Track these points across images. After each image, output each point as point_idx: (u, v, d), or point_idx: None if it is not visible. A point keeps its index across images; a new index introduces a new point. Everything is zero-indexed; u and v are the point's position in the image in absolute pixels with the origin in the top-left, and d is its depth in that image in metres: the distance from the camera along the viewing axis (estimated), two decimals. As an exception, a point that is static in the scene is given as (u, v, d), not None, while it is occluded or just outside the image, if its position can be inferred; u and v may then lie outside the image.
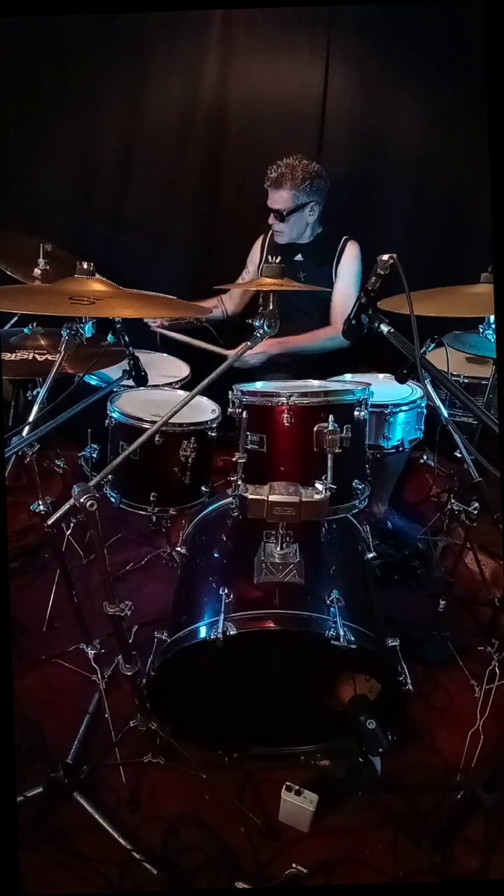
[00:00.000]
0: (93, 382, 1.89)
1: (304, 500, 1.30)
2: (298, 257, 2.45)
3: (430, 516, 2.35)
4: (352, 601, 1.42)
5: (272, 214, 2.36)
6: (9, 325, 2.05)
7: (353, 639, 1.29)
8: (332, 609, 1.36)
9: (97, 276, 1.41)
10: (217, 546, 1.68)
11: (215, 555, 1.67)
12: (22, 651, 1.82)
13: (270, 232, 2.49)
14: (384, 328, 1.47)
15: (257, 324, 1.45)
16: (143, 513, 1.70)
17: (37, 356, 1.81)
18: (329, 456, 1.35)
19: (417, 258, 2.54)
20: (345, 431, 1.39)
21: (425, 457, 2.45)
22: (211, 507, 1.76)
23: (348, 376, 2.08)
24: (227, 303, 2.56)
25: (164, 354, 2.39)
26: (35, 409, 1.45)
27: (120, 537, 2.34)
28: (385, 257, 1.37)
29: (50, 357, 1.78)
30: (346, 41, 2.57)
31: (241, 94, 2.66)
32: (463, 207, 2.70)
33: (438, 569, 2.21)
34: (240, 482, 1.38)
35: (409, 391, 1.88)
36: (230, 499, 1.42)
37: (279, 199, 2.32)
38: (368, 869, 1.34)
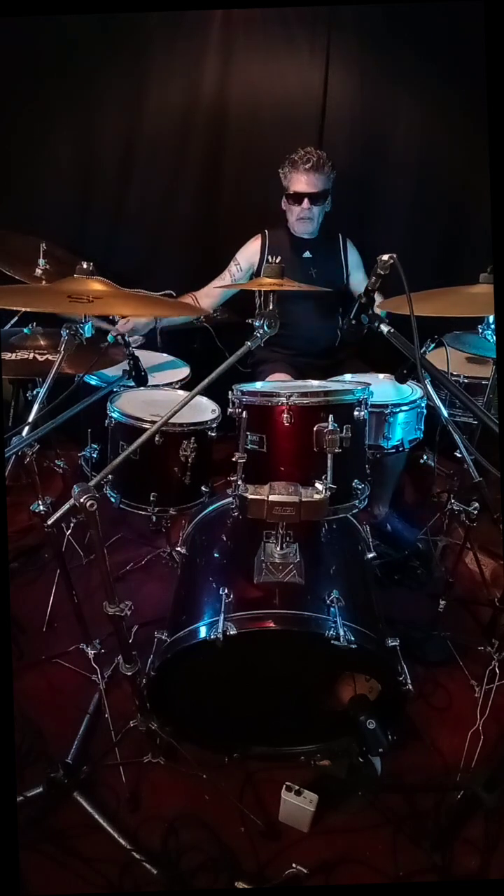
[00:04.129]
0: (93, 382, 1.89)
1: (304, 500, 1.30)
2: (307, 255, 2.44)
3: (430, 516, 2.34)
4: (352, 601, 1.42)
5: (306, 199, 2.30)
6: (9, 325, 2.05)
7: (353, 639, 1.29)
8: (332, 609, 1.36)
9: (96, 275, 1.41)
10: (217, 546, 1.68)
11: (215, 555, 1.67)
12: (22, 651, 1.82)
13: (268, 233, 2.48)
14: (384, 328, 1.48)
15: (257, 324, 1.46)
16: (143, 513, 1.71)
17: (37, 356, 1.82)
18: (329, 456, 1.35)
19: (417, 258, 2.54)
20: (345, 431, 1.39)
21: (425, 457, 2.45)
22: (211, 507, 1.76)
23: (348, 376, 2.09)
24: (201, 300, 2.50)
25: (164, 354, 2.39)
26: (35, 409, 1.46)
27: (120, 537, 2.34)
28: (385, 257, 1.38)
29: (50, 357, 1.78)
30: (346, 41, 2.58)
31: (241, 94, 2.66)
32: (463, 207, 2.70)
33: (438, 569, 2.21)
34: (240, 482, 1.38)
35: (409, 391, 1.88)
36: (230, 499, 1.42)
37: (317, 181, 2.29)
38: (368, 869, 1.34)
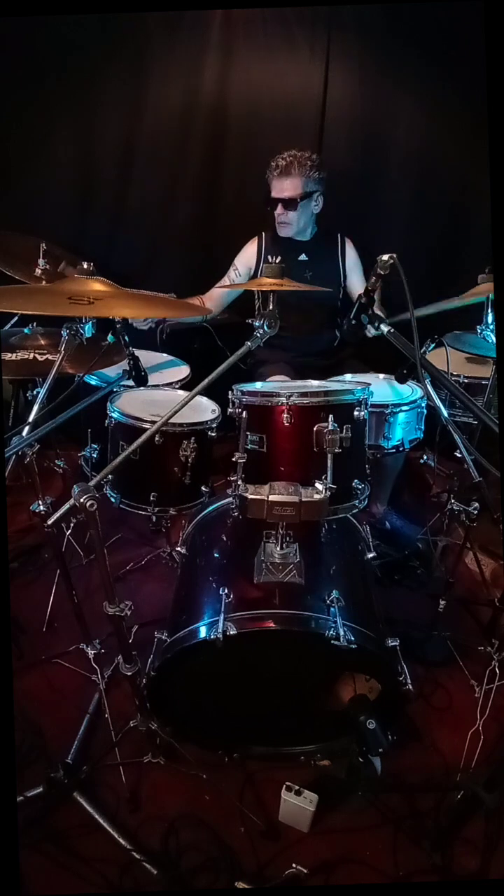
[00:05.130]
0: (93, 382, 1.89)
1: (304, 499, 1.30)
2: (303, 257, 2.44)
3: (430, 516, 2.34)
4: (352, 601, 1.42)
5: (280, 205, 2.32)
6: (9, 325, 2.05)
7: (353, 639, 1.29)
8: (332, 609, 1.36)
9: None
10: (217, 546, 1.68)
11: (215, 555, 1.67)
12: (22, 651, 1.82)
13: (265, 235, 2.48)
14: (384, 328, 1.48)
15: (257, 324, 1.46)
16: (143, 513, 1.71)
17: (37, 356, 1.82)
18: (329, 456, 1.35)
19: (417, 258, 2.54)
20: (345, 431, 1.39)
21: (425, 457, 2.45)
22: (211, 507, 1.76)
23: (348, 376, 2.09)
24: (207, 302, 2.52)
25: (164, 354, 2.39)
26: (35, 409, 1.46)
27: (120, 537, 2.34)
28: (385, 257, 1.38)
29: (50, 357, 1.78)
30: (346, 41, 2.58)
31: (241, 94, 2.66)
32: (463, 207, 2.70)
33: (438, 569, 2.21)
34: (240, 482, 1.38)
35: (409, 391, 1.88)
36: (230, 499, 1.42)
37: (289, 186, 2.30)
38: (368, 869, 1.34)
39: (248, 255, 2.49)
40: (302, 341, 2.46)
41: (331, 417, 1.35)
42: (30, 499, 1.49)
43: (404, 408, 1.81)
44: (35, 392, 1.85)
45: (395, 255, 1.36)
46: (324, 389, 1.56)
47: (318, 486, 1.33)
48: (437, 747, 1.60)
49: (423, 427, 1.90)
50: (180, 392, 2.04)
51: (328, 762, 1.53)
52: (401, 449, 1.87)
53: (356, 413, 1.44)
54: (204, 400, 1.83)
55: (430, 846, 1.37)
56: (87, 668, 1.68)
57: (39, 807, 1.39)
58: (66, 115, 2.66)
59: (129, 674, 1.34)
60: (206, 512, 1.76)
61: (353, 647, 1.28)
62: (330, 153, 2.53)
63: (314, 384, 1.80)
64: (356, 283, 2.51)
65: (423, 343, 1.61)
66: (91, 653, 1.65)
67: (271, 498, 1.31)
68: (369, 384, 1.52)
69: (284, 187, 2.30)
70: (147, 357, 2.00)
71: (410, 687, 1.39)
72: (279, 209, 2.34)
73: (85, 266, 1.42)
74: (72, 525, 1.94)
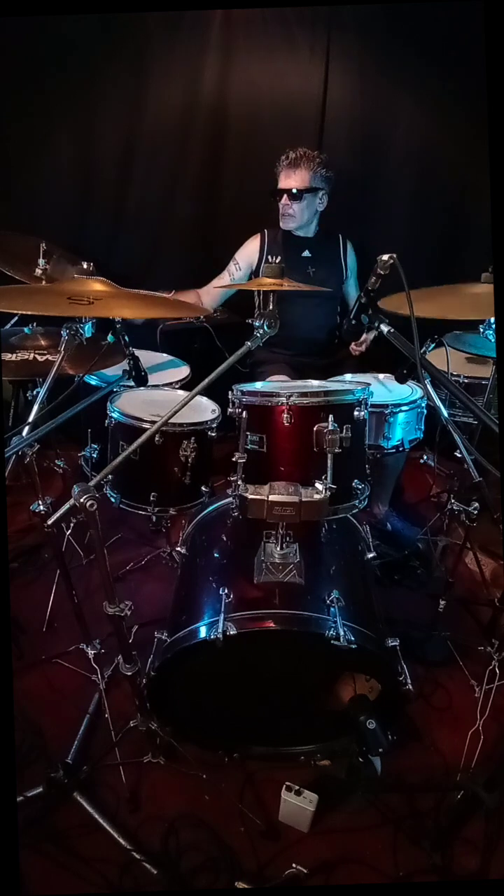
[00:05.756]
0: (93, 382, 1.89)
1: (304, 500, 1.30)
2: (306, 254, 2.46)
3: (430, 516, 2.34)
4: (352, 601, 1.42)
5: (285, 195, 2.35)
6: (9, 325, 2.05)
7: (353, 639, 1.29)
8: (332, 609, 1.36)
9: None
10: (217, 546, 1.68)
11: (215, 555, 1.67)
12: (22, 651, 1.82)
13: (268, 232, 2.49)
14: (384, 328, 1.48)
15: (257, 324, 1.45)
16: (143, 513, 1.71)
17: (37, 356, 1.82)
18: (329, 456, 1.35)
19: (417, 258, 2.54)
20: (345, 431, 1.38)
21: (425, 457, 2.45)
22: (211, 507, 1.76)
23: (348, 376, 2.09)
24: (204, 298, 2.54)
25: (164, 354, 2.39)
26: (35, 409, 1.46)
27: (120, 537, 2.34)
28: (385, 257, 1.38)
29: (50, 357, 1.79)
30: (346, 41, 2.58)
31: (241, 94, 2.67)
32: (463, 207, 2.70)
33: (438, 569, 2.21)
34: (240, 482, 1.38)
35: (409, 391, 1.88)
36: (230, 499, 1.42)
37: (296, 178, 2.33)
38: (368, 869, 1.34)
39: (249, 251, 2.50)
40: (301, 341, 2.46)
41: (331, 417, 1.35)
42: (30, 499, 1.49)
43: (404, 408, 1.81)
44: (35, 392, 1.85)
45: (395, 255, 1.36)
46: (324, 389, 1.56)
47: (318, 486, 1.33)
48: (437, 747, 1.60)
49: (423, 427, 1.90)
50: (180, 392, 2.03)
51: (328, 762, 1.53)
52: (401, 449, 1.87)
53: (356, 413, 1.44)
54: (204, 400, 1.83)
55: (430, 846, 1.37)
56: (87, 668, 1.68)
57: (39, 807, 1.39)
58: (66, 115, 2.66)
59: (129, 674, 1.34)
60: (206, 512, 1.76)
61: (353, 647, 1.28)
62: (330, 153, 2.52)
63: (314, 384, 1.80)
64: (351, 287, 2.53)
65: (423, 343, 1.61)
66: (91, 653, 1.65)
67: (271, 498, 1.31)
68: (369, 384, 1.52)
69: (291, 178, 2.33)
70: (147, 357, 2.00)
71: (410, 687, 1.39)
72: (284, 199, 2.36)
73: (85, 266, 1.42)
74: (72, 525, 1.94)
